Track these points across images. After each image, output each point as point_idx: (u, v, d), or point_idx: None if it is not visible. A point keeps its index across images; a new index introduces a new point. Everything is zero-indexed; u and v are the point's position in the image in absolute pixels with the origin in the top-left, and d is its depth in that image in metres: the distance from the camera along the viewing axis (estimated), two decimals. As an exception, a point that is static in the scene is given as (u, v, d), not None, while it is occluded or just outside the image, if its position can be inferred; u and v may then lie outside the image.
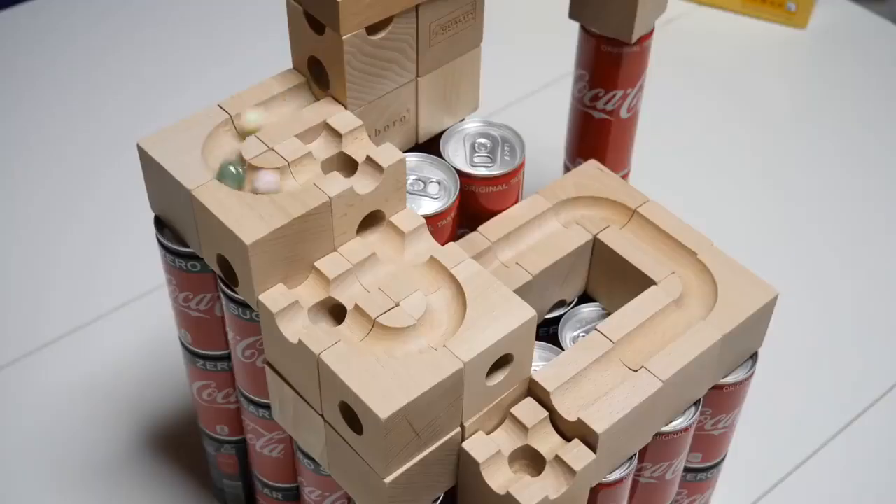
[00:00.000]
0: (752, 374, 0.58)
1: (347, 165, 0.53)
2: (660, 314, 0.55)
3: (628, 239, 0.58)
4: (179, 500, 0.72)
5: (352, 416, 0.47)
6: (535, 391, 0.52)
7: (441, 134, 0.61)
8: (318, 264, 0.51)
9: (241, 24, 1.07)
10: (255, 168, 0.51)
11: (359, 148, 0.53)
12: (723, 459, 0.64)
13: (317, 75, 0.55)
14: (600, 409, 0.51)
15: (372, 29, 0.53)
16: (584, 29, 0.70)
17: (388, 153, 0.51)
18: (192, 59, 1.03)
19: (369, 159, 0.51)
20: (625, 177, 0.77)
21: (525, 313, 0.49)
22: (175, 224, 0.54)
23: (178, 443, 0.74)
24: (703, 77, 1.04)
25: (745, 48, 1.07)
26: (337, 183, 0.50)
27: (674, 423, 0.55)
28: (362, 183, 0.51)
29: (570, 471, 0.50)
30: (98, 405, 0.76)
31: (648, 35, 0.69)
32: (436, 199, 0.57)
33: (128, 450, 0.74)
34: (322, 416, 0.50)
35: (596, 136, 0.73)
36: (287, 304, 0.49)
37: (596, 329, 0.54)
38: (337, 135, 0.53)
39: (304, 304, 0.50)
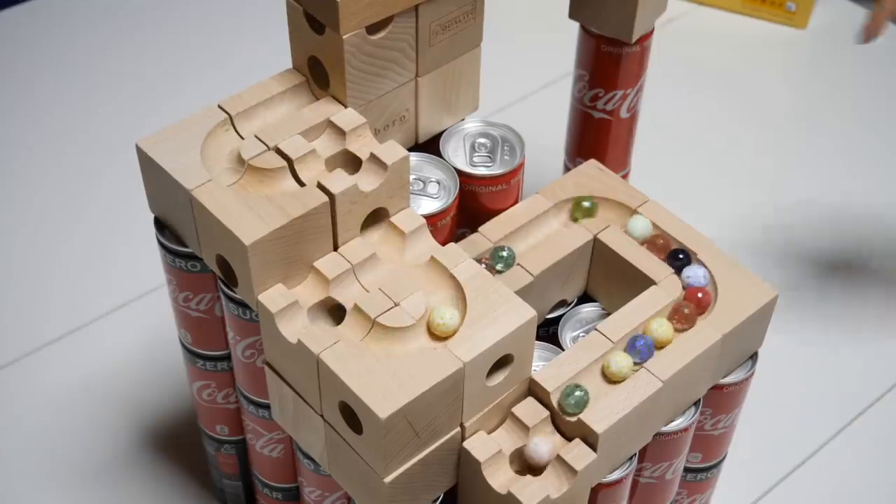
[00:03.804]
0: (752, 374, 0.58)
1: (351, 163, 0.53)
2: (660, 314, 0.55)
3: (628, 239, 0.58)
4: (179, 500, 0.72)
5: (351, 415, 0.47)
6: (535, 391, 0.52)
7: (441, 134, 0.61)
8: (317, 264, 0.50)
9: (241, 24, 1.07)
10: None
11: (362, 145, 0.53)
12: (723, 459, 0.64)
13: (317, 75, 0.55)
14: (600, 409, 0.51)
15: (372, 28, 0.53)
16: (583, 29, 0.70)
17: (391, 151, 0.51)
18: (192, 59, 1.03)
19: (373, 157, 0.51)
20: (625, 177, 0.77)
21: (525, 313, 0.49)
22: (174, 225, 0.54)
23: (178, 443, 0.74)
24: (703, 77, 1.04)
25: (745, 48, 1.07)
26: (341, 180, 0.50)
27: (674, 423, 0.55)
28: (366, 180, 0.51)
29: (571, 470, 0.50)
30: (98, 405, 0.76)
31: (648, 35, 0.69)
32: (435, 199, 0.57)
33: (128, 450, 0.74)
34: (322, 416, 0.50)
35: (596, 136, 0.73)
36: (286, 304, 0.49)
37: (596, 329, 0.54)
38: (340, 132, 0.53)
39: (303, 304, 0.49)
